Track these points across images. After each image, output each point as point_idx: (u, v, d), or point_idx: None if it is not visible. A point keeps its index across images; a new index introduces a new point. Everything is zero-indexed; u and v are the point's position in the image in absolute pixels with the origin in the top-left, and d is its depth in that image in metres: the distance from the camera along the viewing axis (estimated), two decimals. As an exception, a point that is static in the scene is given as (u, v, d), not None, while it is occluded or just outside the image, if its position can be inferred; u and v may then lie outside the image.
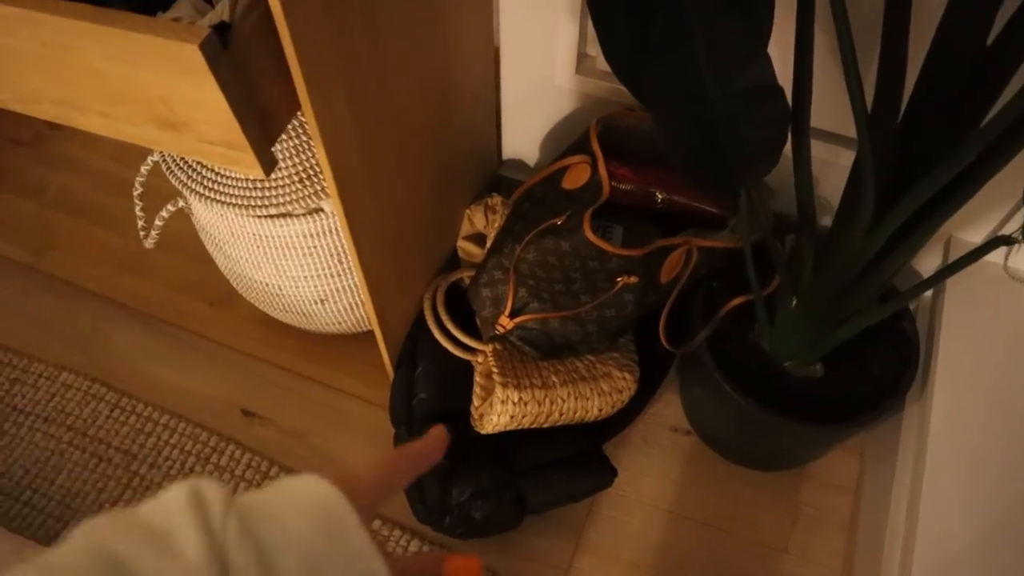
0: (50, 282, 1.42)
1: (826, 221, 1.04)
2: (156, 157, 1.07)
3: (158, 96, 0.65)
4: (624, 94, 1.09)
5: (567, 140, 1.20)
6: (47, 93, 0.72)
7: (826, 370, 1.01)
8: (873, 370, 1.00)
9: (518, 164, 1.31)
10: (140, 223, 1.14)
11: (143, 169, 1.09)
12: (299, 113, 0.70)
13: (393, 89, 0.84)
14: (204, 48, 0.57)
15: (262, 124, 0.66)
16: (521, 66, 1.14)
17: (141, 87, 0.64)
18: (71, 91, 0.69)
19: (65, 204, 1.50)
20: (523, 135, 1.25)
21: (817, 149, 1.01)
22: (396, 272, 1.02)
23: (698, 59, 0.72)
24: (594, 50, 1.11)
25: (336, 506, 0.33)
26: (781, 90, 0.74)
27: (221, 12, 0.62)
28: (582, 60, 1.11)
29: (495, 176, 1.32)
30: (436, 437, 0.42)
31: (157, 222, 1.09)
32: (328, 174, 0.75)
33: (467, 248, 1.20)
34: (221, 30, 0.59)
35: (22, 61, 0.68)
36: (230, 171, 0.98)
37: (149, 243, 1.13)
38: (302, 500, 0.33)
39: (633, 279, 0.97)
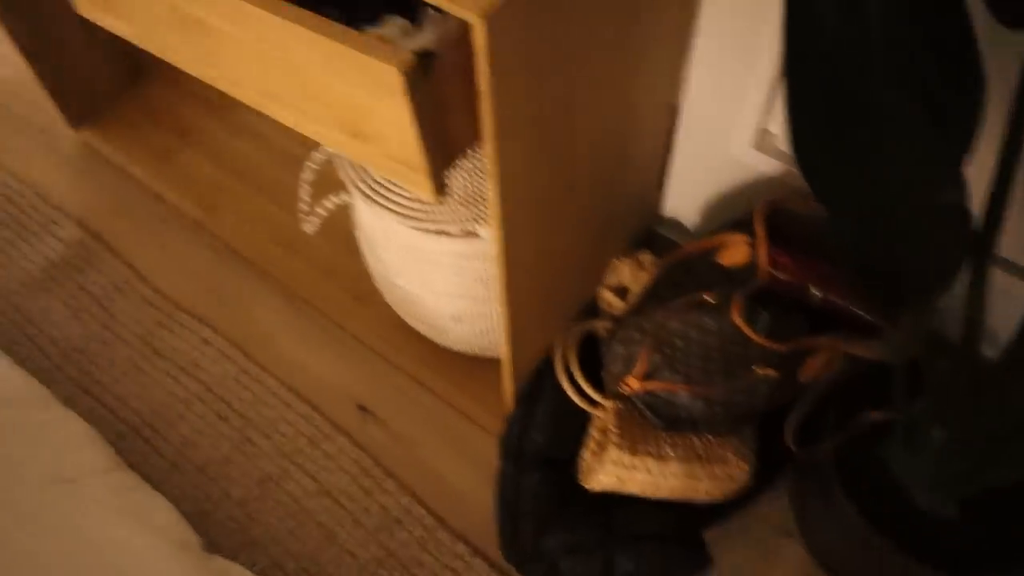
0: (211, 240, 1.51)
1: (987, 348, 0.96)
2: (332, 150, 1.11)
3: (352, 106, 0.67)
4: (799, 179, 1.05)
5: (730, 211, 1.17)
6: (252, 81, 0.76)
7: (961, 512, 0.94)
8: (1017, 528, 0.92)
9: (675, 224, 1.29)
10: (303, 206, 1.20)
11: (316, 156, 1.14)
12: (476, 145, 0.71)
13: (573, 135, 0.84)
14: (406, 73, 0.59)
15: (442, 150, 0.68)
16: (698, 129, 1.12)
17: (339, 94, 0.67)
18: (274, 83, 0.73)
19: (239, 170, 1.59)
20: (686, 197, 1.23)
21: (996, 276, 0.94)
22: (536, 309, 1.02)
23: (888, 170, 0.68)
24: (775, 128, 1.07)
25: None
26: (969, 213, 0.69)
27: (426, 40, 0.63)
28: (762, 136, 1.08)
29: (649, 231, 1.30)
30: None
31: (319, 210, 1.14)
32: (495, 209, 0.76)
33: (608, 298, 1.19)
34: (424, 57, 0.61)
35: (239, 49, 0.73)
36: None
37: (309, 228, 1.18)
38: None
39: (771, 372, 0.93)
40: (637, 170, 1.11)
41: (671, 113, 1.11)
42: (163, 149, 1.63)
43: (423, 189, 0.69)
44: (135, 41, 0.88)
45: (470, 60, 0.63)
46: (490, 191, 0.75)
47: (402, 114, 0.62)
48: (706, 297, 0.96)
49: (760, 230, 0.98)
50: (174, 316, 1.42)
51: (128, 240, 1.52)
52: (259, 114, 1.67)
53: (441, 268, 1.04)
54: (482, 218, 0.98)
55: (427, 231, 1.00)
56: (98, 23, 0.91)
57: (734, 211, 1.15)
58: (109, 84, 1.69)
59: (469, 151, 0.92)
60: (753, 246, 0.98)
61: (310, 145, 1.59)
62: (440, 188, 0.69)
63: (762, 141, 1.08)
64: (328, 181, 1.20)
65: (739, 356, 0.94)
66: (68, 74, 1.61)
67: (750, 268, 0.98)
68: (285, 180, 1.56)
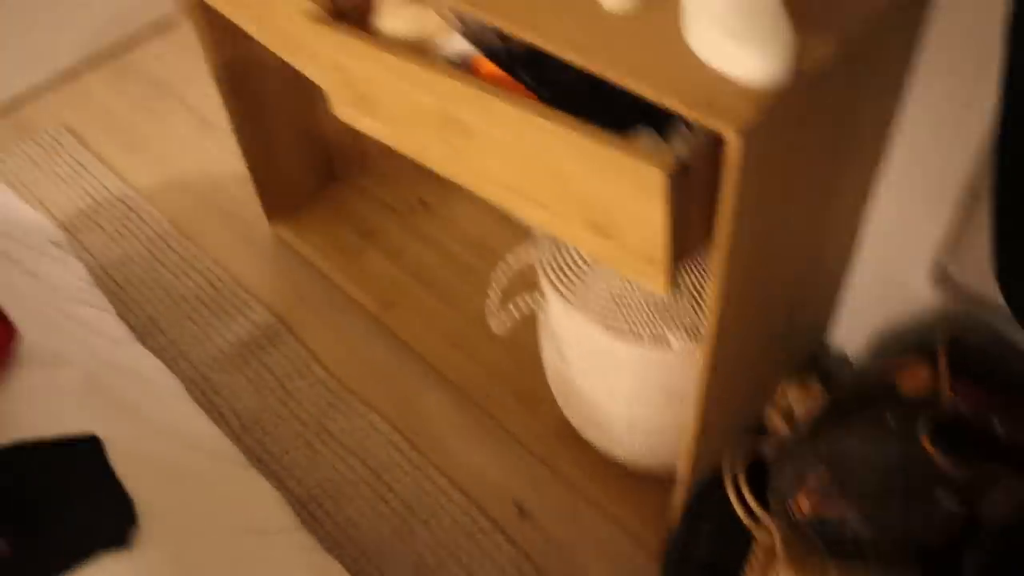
0: (386, 334, 1.61)
1: None
2: (527, 256, 1.20)
3: (602, 203, 0.75)
4: (977, 314, 1.07)
5: (904, 339, 1.18)
6: (501, 177, 0.85)
7: None
8: None
9: (839, 353, 1.30)
10: (491, 306, 1.27)
11: (509, 260, 1.22)
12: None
13: (779, 252, 0.89)
14: (670, 176, 0.66)
15: (679, 249, 0.74)
16: (877, 258, 1.15)
17: (591, 192, 0.75)
18: (524, 181, 0.82)
19: (416, 272, 1.71)
20: (859, 322, 1.25)
21: None
22: (718, 423, 1.04)
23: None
24: (956, 267, 1.09)
25: None
26: None
27: (678, 150, 0.71)
28: (940, 271, 1.10)
29: (814, 357, 1.31)
30: None
31: (512, 309, 1.21)
32: (712, 315, 0.81)
33: (776, 420, 1.20)
34: (682, 163, 0.68)
35: (496, 149, 0.82)
36: (594, 283, 1.08)
37: (498, 327, 1.25)
38: None
39: (952, 499, 0.91)
40: (815, 290, 1.14)
41: (852, 241, 1.15)
42: (348, 247, 1.77)
43: (657, 283, 0.75)
44: (387, 141, 1.00)
45: (715, 171, 0.70)
46: (710, 297, 0.80)
47: (656, 213, 0.69)
48: (889, 419, 0.97)
49: (943, 358, 0.98)
50: (346, 400, 1.51)
51: (310, 326, 1.64)
52: (435, 221, 1.80)
53: (626, 373, 1.09)
54: (674, 326, 1.03)
55: (618, 334, 1.06)
56: (353, 124, 1.04)
57: (909, 338, 1.17)
58: (305, 185, 1.87)
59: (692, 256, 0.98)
60: (934, 374, 0.98)
61: (485, 253, 1.70)
62: (673, 282, 0.75)
63: (940, 276, 1.10)
64: (512, 285, 1.27)
65: (920, 481, 0.93)
66: (273, 174, 1.79)
67: (931, 396, 0.98)
68: (456, 283, 1.67)
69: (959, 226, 1.04)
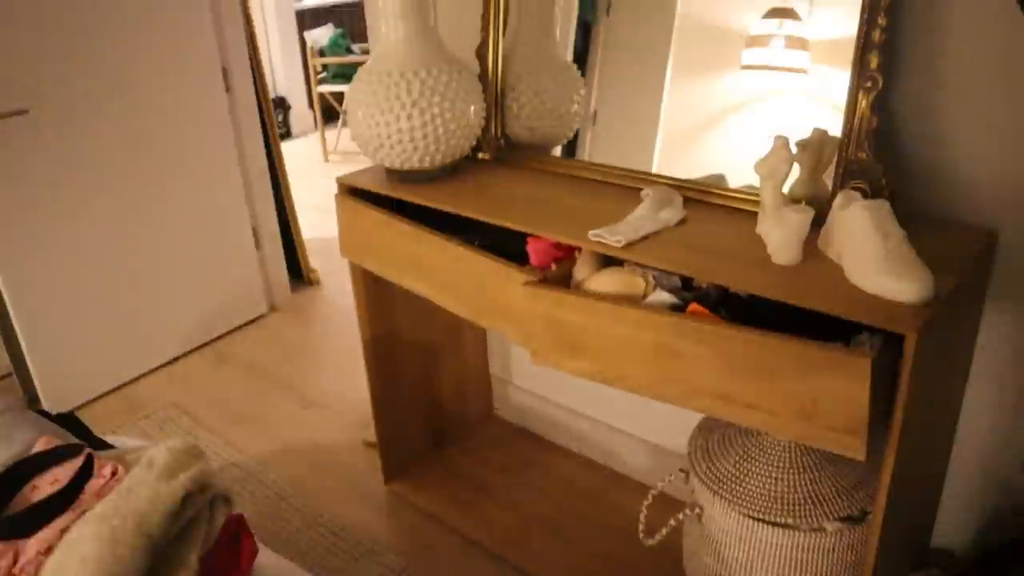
0: (512, 571, 1.76)
1: None
2: (669, 479, 1.44)
3: (808, 393, 1.03)
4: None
5: (1001, 534, 1.41)
6: (704, 387, 1.13)
7: None
8: None
9: (950, 544, 1.51)
10: (642, 526, 1.48)
11: (667, 479, 1.46)
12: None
13: (923, 440, 1.16)
14: (874, 363, 0.95)
15: (873, 423, 1.01)
16: (975, 455, 1.42)
17: (800, 386, 1.03)
18: (736, 387, 1.10)
19: (534, 517, 1.90)
20: (963, 518, 1.48)
21: None
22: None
23: None
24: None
25: None
26: None
27: (870, 345, 1.01)
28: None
29: (923, 552, 1.52)
30: None
31: (671, 523, 1.43)
32: (882, 494, 1.06)
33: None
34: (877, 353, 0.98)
35: (704, 364, 1.11)
36: (745, 488, 1.32)
37: (652, 542, 1.45)
38: None
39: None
40: (930, 489, 1.39)
41: (951, 440, 1.42)
42: (465, 501, 1.97)
43: (857, 451, 1.01)
44: (594, 379, 1.28)
45: (889, 366, 1.00)
46: (883, 476, 1.06)
47: (860, 393, 0.97)
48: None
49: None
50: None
51: (436, 567, 1.79)
52: (545, 475, 2.03)
53: (786, 561, 1.29)
54: (828, 514, 1.26)
55: (778, 526, 1.28)
56: (556, 368, 1.33)
57: (1004, 534, 1.40)
58: (420, 448, 2.10)
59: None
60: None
61: (593, 499, 1.91)
62: (875, 442, 1.01)
63: None
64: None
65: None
66: (395, 438, 2.03)
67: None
68: (576, 526, 1.86)
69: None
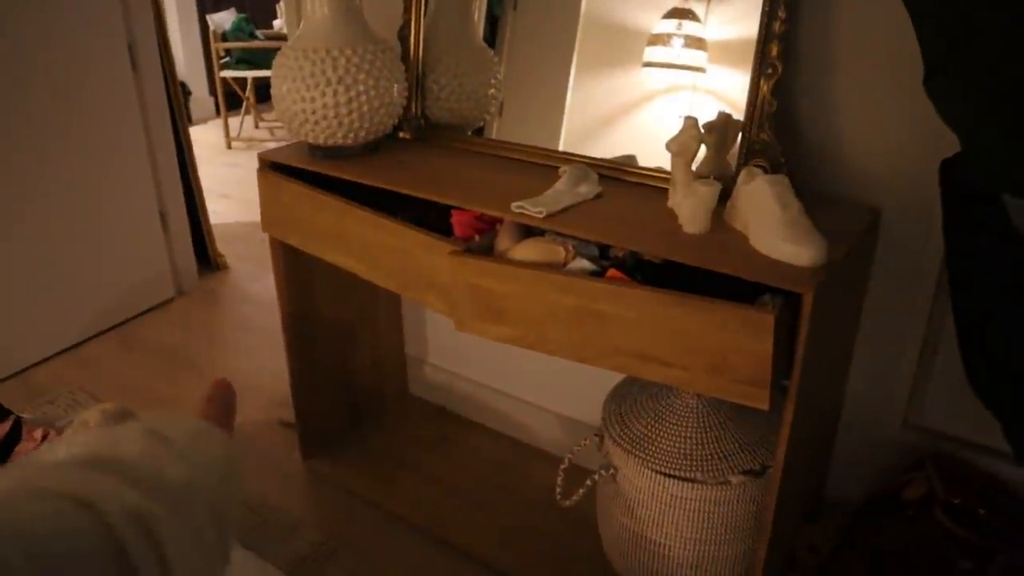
0: (435, 542, 1.81)
1: None
2: (584, 443, 1.52)
3: (719, 349, 1.12)
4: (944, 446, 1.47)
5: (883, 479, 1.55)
6: (623, 347, 1.21)
7: None
8: None
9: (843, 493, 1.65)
10: (559, 489, 1.56)
11: (583, 443, 1.54)
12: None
13: (817, 393, 1.28)
14: (777, 319, 1.05)
15: (774, 376, 1.11)
16: (860, 414, 1.56)
17: (711, 344, 1.12)
18: (648, 346, 1.18)
19: (454, 490, 1.95)
20: (853, 471, 1.61)
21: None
22: (772, 553, 1.34)
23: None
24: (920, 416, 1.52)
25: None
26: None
27: (772, 304, 1.11)
28: (914, 425, 1.52)
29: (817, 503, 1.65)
30: (224, 385, 0.69)
31: (588, 483, 1.51)
32: (783, 442, 1.17)
33: (804, 554, 1.50)
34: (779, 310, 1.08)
35: (626, 327, 1.19)
36: (657, 447, 1.41)
37: (568, 503, 1.53)
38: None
39: (967, 561, 1.25)
40: (823, 444, 1.52)
41: (841, 397, 1.55)
42: (384, 475, 2.01)
43: (762, 402, 1.11)
44: (515, 343, 1.34)
45: (788, 322, 1.10)
46: (785, 422, 1.16)
47: (763, 346, 1.07)
48: (905, 515, 1.31)
49: (932, 470, 1.37)
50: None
51: (362, 545, 1.82)
52: (462, 450, 2.08)
53: (695, 515, 1.39)
54: (732, 469, 1.36)
55: (687, 481, 1.38)
56: (480, 335, 1.39)
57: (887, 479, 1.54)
58: (336, 426, 2.12)
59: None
60: (929, 483, 1.36)
61: (509, 471, 1.98)
62: (774, 399, 1.11)
63: (913, 418, 1.51)
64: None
65: (943, 550, 1.27)
66: (313, 416, 2.04)
67: (930, 497, 1.34)
68: (495, 496, 1.92)
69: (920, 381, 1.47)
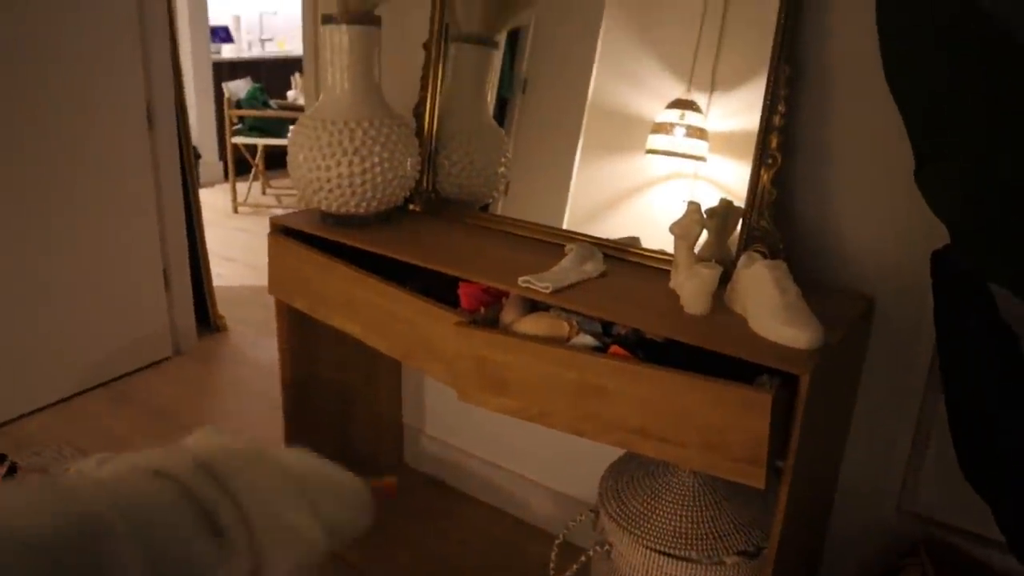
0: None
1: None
2: (579, 520, 1.53)
3: (716, 427, 1.14)
4: (937, 533, 1.48)
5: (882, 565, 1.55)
6: (623, 422, 1.24)
7: None
8: None
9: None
10: (552, 565, 1.56)
11: (569, 526, 1.54)
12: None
13: (815, 476, 1.30)
14: (774, 399, 1.08)
15: (771, 455, 1.13)
16: (855, 498, 1.57)
17: (709, 421, 1.15)
18: (648, 422, 1.21)
19: (449, 570, 1.94)
20: (848, 552, 1.61)
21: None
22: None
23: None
24: (915, 499, 1.53)
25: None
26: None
27: (770, 385, 1.14)
28: (907, 500, 1.53)
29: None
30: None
31: (582, 559, 1.50)
32: (777, 527, 1.18)
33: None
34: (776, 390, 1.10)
35: (625, 402, 1.22)
36: (654, 525, 1.42)
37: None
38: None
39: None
40: (818, 525, 1.53)
41: (835, 481, 1.56)
42: (374, 547, 1.99)
43: (758, 480, 1.13)
44: (517, 415, 1.36)
45: (785, 404, 1.13)
46: (780, 502, 1.18)
47: (760, 424, 1.10)
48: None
49: (925, 555, 1.37)
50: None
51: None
52: (462, 524, 2.07)
53: (688, 594, 1.39)
54: (727, 549, 1.37)
55: (682, 561, 1.38)
56: (482, 406, 1.41)
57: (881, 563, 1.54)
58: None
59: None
60: (923, 568, 1.36)
61: (505, 546, 1.97)
62: (769, 479, 1.13)
63: (906, 504, 1.52)
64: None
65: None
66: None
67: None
68: (482, 569, 1.91)
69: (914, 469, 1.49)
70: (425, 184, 1.82)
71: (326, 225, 1.70)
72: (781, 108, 1.37)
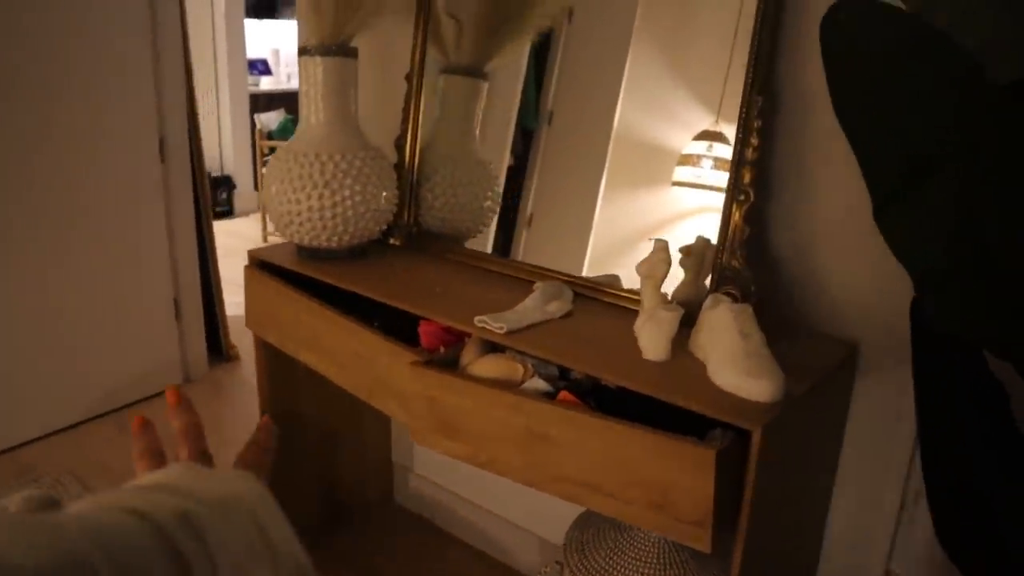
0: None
1: None
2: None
3: (661, 485, 1.06)
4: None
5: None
6: (569, 474, 1.16)
7: None
8: None
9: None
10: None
11: (544, 571, 1.46)
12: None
13: (774, 536, 1.20)
14: (719, 455, 1.00)
15: (720, 515, 1.04)
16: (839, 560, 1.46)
17: (653, 477, 1.06)
18: (597, 476, 1.13)
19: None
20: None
21: None
22: None
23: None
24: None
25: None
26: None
27: (715, 445, 1.05)
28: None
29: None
30: (266, 427, 0.72)
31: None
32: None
33: None
34: (723, 449, 1.02)
35: (574, 453, 1.14)
36: (620, 582, 1.33)
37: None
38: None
39: None
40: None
41: (818, 544, 1.46)
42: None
43: (703, 544, 1.04)
44: (467, 461, 1.30)
45: (738, 460, 1.04)
46: (733, 568, 1.09)
47: (705, 484, 1.01)
48: None
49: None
50: None
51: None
52: (436, 563, 2.00)
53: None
54: (691, 612, 1.27)
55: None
56: (432, 448, 1.34)
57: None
58: (313, 528, 2.07)
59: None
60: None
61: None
62: (716, 543, 1.04)
63: (897, 562, 1.41)
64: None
65: None
66: (289, 519, 1.99)
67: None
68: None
69: (900, 532, 1.37)
70: (407, 218, 1.77)
71: (300, 259, 1.67)
72: (754, 140, 1.29)
